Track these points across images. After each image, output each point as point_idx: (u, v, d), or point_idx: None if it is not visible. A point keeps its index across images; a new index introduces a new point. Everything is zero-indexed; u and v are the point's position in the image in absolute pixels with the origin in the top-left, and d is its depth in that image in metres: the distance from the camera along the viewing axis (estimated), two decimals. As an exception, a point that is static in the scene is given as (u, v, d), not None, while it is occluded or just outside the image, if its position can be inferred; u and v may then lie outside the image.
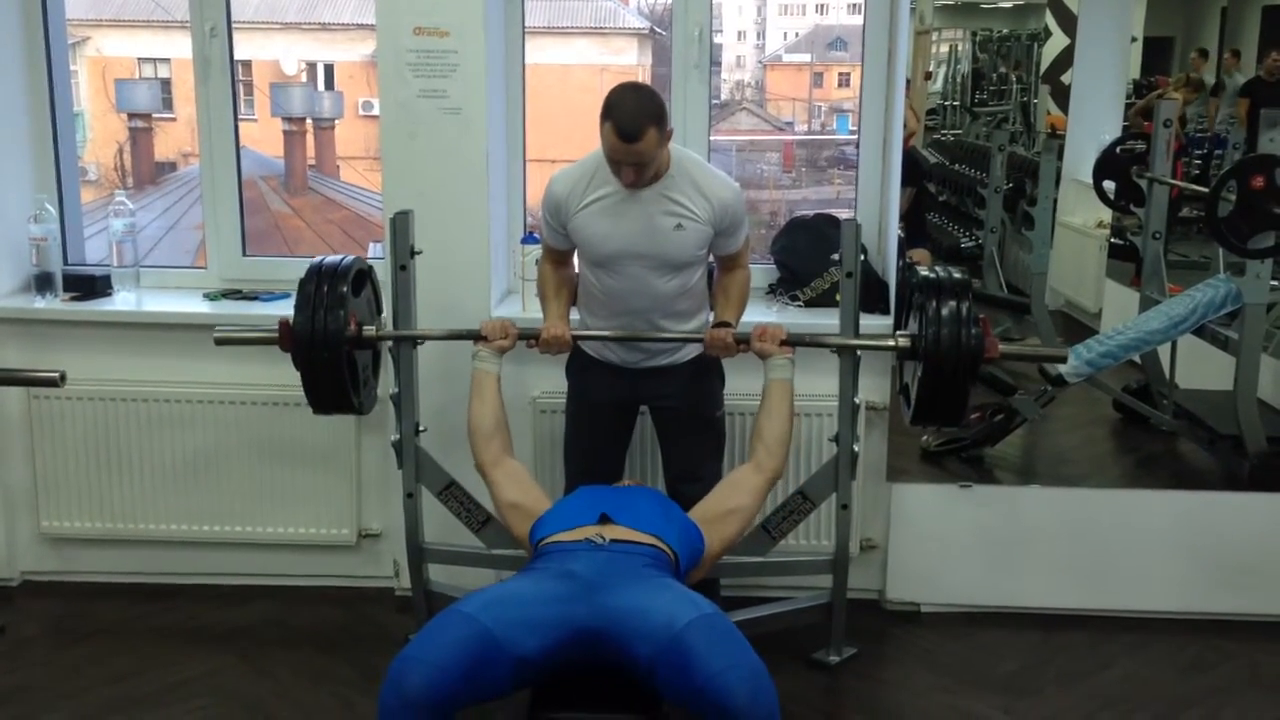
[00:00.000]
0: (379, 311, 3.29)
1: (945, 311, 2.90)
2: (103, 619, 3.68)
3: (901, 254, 3.75)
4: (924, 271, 3.05)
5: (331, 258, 3.12)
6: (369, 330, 3.14)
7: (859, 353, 3.19)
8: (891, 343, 3.08)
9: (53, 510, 3.82)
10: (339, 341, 3.00)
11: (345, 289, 3.03)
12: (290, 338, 3.01)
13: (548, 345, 3.19)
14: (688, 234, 3.10)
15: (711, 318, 3.29)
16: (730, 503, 2.97)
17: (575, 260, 3.33)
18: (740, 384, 3.39)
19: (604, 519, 2.76)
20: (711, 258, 3.28)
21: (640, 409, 3.43)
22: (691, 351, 3.29)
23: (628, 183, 3.02)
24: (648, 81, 6.56)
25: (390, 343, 3.25)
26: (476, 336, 3.16)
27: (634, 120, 2.89)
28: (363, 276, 3.19)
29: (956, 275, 2.99)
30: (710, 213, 3.09)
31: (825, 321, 3.40)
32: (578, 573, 2.54)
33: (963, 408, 3.00)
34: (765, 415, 3.08)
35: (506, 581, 2.68)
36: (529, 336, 3.19)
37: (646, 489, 3.22)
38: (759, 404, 3.12)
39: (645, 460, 3.65)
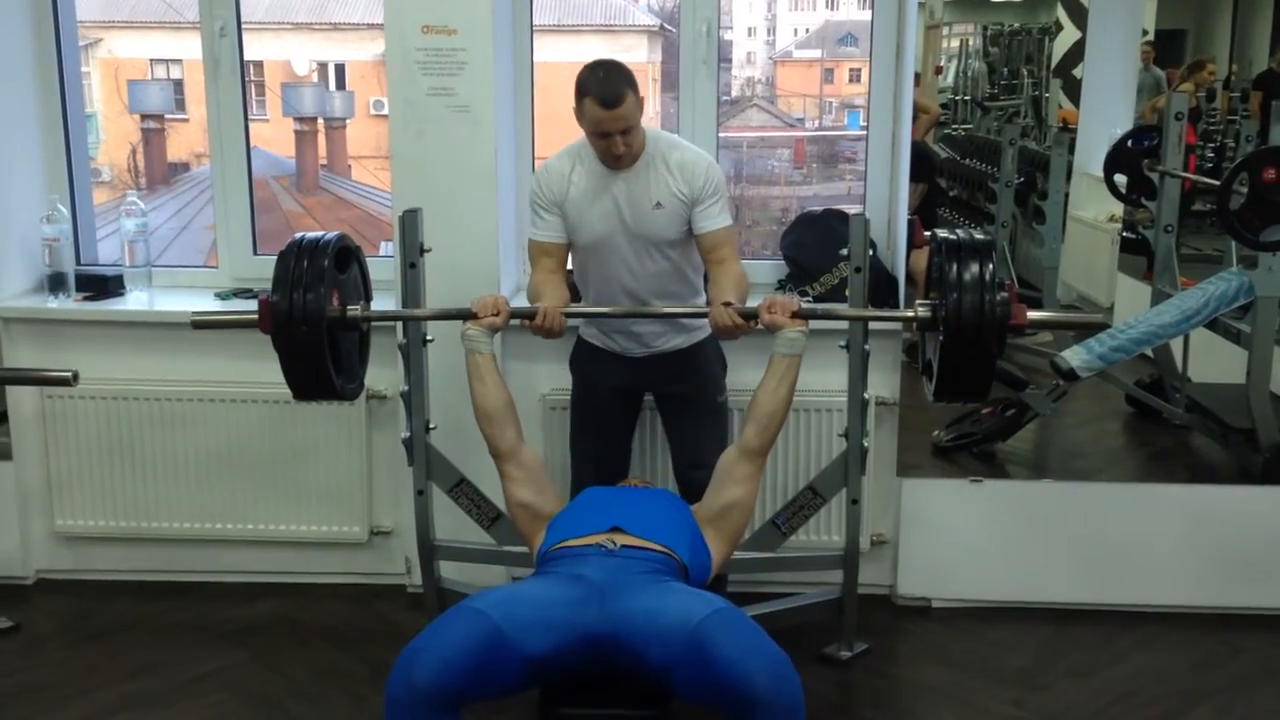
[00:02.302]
0: (367, 294, 3.11)
1: (967, 276, 2.64)
2: (116, 616, 3.70)
3: (915, 242, 3.73)
4: (944, 234, 2.80)
5: (313, 233, 2.93)
6: (353, 310, 2.94)
7: (868, 347, 3.18)
8: (910, 313, 2.87)
9: (66, 509, 3.84)
10: (319, 318, 2.78)
11: (326, 264, 2.83)
12: (270, 317, 2.80)
13: (540, 327, 3.05)
14: (666, 210, 3.15)
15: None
16: (726, 496, 2.88)
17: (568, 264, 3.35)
18: (745, 376, 3.39)
19: (615, 530, 2.72)
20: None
21: (645, 397, 3.45)
22: (693, 337, 3.32)
23: (617, 154, 3.07)
24: (657, 79, 6.57)
25: (374, 323, 3.12)
26: (467, 315, 3.01)
27: (611, 87, 2.98)
28: (347, 254, 2.99)
29: (979, 237, 2.75)
30: (686, 184, 3.14)
31: (834, 317, 3.40)
32: (589, 576, 2.53)
33: (988, 380, 2.76)
34: (764, 389, 2.93)
35: (518, 582, 2.68)
36: (523, 315, 3.06)
37: (658, 492, 3.21)
38: (763, 379, 2.96)
39: (654, 452, 3.67)
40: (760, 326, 2.99)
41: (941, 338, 2.72)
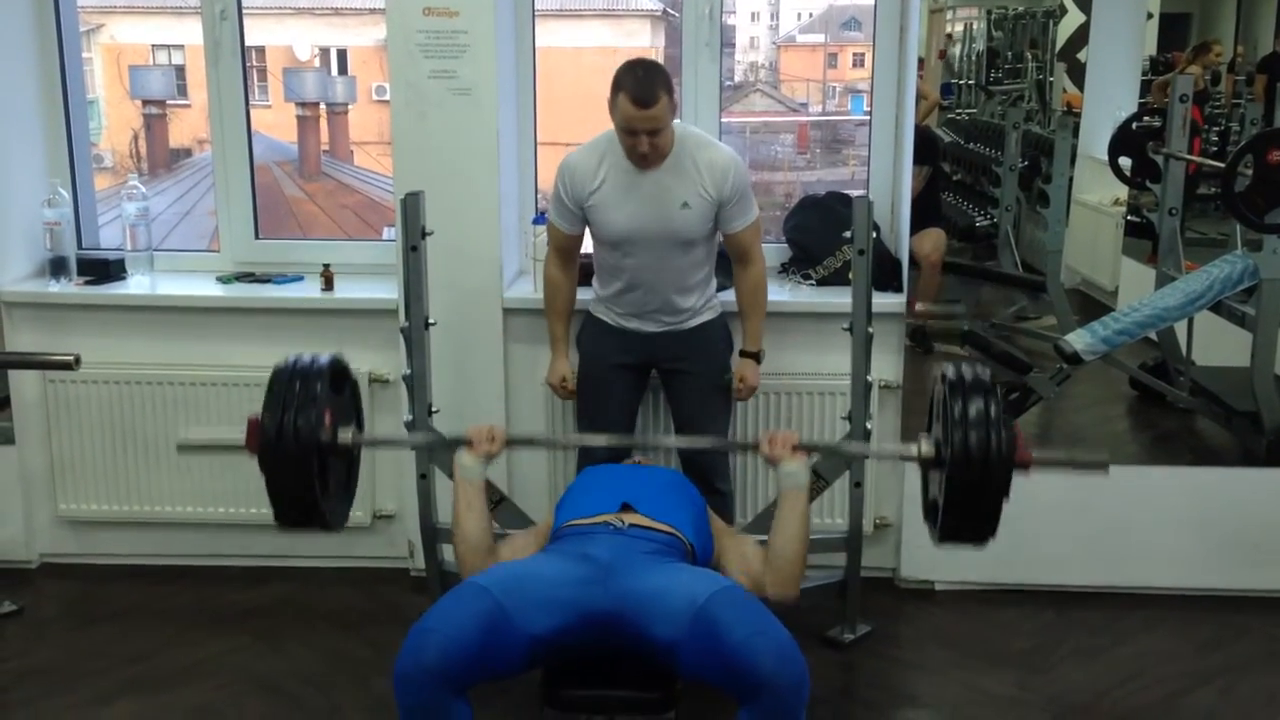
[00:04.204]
0: (359, 419, 2.87)
1: (973, 413, 2.45)
2: (120, 600, 3.71)
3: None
4: (949, 372, 2.57)
5: (306, 355, 2.71)
6: (344, 437, 2.70)
7: (871, 330, 3.18)
8: (914, 451, 2.63)
9: (70, 493, 3.84)
10: (309, 446, 2.57)
11: (319, 387, 2.63)
12: (258, 439, 2.59)
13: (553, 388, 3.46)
14: (694, 211, 3.19)
15: (714, 293, 3.41)
16: (728, 567, 2.76)
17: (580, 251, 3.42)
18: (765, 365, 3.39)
19: (625, 507, 2.74)
20: (721, 240, 3.33)
21: (651, 374, 3.47)
22: (702, 317, 3.37)
23: (643, 152, 3.09)
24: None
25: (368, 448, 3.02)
26: (461, 442, 2.88)
27: (647, 87, 3.00)
28: (341, 375, 2.76)
29: (981, 374, 2.56)
30: (712, 185, 3.18)
31: (838, 300, 3.40)
32: (595, 555, 2.54)
33: (994, 522, 2.54)
34: (779, 535, 2.73)
35: (524, 560, 2.68)
36: (521, 443, 3.19)
37: (664, 470, 3.21)
38: (775, 516, 2.77)
39: (656, 431, 3.68)
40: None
41: (948, 475, 2.51)
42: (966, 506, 2.50)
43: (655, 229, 3.20)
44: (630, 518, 2.69)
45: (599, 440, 3.16)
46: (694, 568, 2.59)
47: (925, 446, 2.59)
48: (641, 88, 3.00)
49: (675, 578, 2.48)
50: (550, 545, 2.73)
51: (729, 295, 3.45)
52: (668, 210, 3.18)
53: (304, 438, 2.57)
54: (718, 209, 3.21)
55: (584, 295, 3.48)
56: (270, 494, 2.62)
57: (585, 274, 3.48)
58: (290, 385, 2.62)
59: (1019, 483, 3.72)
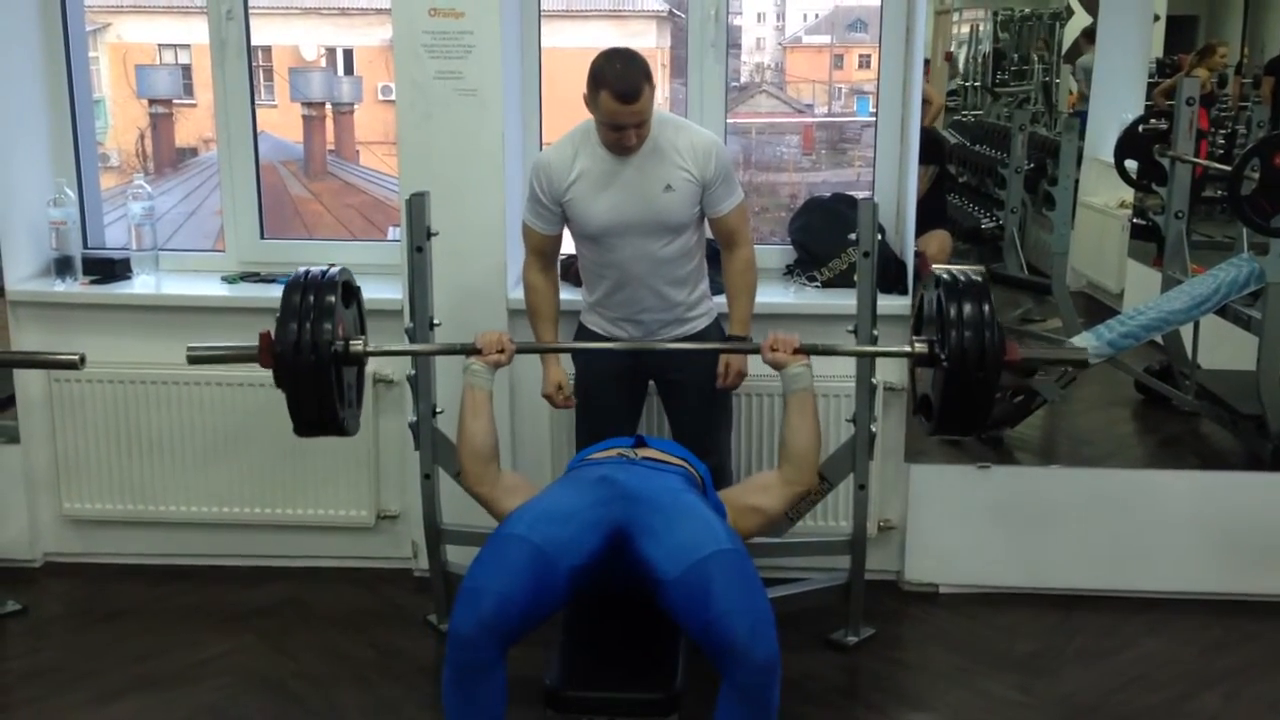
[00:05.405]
0: (363, 329, 3.00)
1: (967, 312, 2.69)
2: (124, 600, 3.71)
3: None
4: (941, 274, 2.81)
5: (317, 267, 2.87)
6: (356, 345, 2.85)
7: (876, 332, 3.18)
8: (908, 349, 2.86)
9: (74, 492, 3.85)
10: (326, 355, 2.71)
11: (333, 299, 2.77)
12: (271, 352, 2.72)
13: (550, 399, 3.36)
14: (677, 194, 3.13)
15: (708, 293, 3.38)
16: (753, 499, 2.91)
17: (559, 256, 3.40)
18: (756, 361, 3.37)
19: (640, 441, 2.89)
20: (709, 230, 3.30)
21: (648, 383, 3.44)
22: (696, 325, 3.32)
23: (628, 145, 3.05)
24: (666, 64, 6.54)
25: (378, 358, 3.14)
26: (471, 350, 2.97)
27: (629, 81, 2.95)
28: (350, 289, 2.93)
29: (976, 278, 2.78)
30: (695, 167, 3.13)
31: (843, 302, 3.40)
32: (612, 478, 2.65)
33: (986, 413, 2.77)
34: (790, 431, 2.93)
35: (545, 496, 2.72)
36: (529, 351, 3.18)
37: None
38: (783, 418, 2.96)
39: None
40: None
41: (945, 369, 2.71)
42: (961, 397, 2.72)
43: (638, 216, 3.13)
44: (644, 451, 2.82)
45: (608, 346, 3.26)
46: (707, 514, 2.62)
47: (919, 345, 2.83)
48: (624, 81, 2.93)
49: (687, 516, 2.55)
50: (567, 475, 2.83)
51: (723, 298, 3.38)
52: (650, 195, 3.12)
53: (322, 349, 2.70)
54: (702, 191, 3.15)
55: (574, 298, 3.46)
56: (289, 405, 2.75)
57: (577, 280, 3.46)
58: (304, 297, 2.75)
59: (1024, 487, 3.74)
